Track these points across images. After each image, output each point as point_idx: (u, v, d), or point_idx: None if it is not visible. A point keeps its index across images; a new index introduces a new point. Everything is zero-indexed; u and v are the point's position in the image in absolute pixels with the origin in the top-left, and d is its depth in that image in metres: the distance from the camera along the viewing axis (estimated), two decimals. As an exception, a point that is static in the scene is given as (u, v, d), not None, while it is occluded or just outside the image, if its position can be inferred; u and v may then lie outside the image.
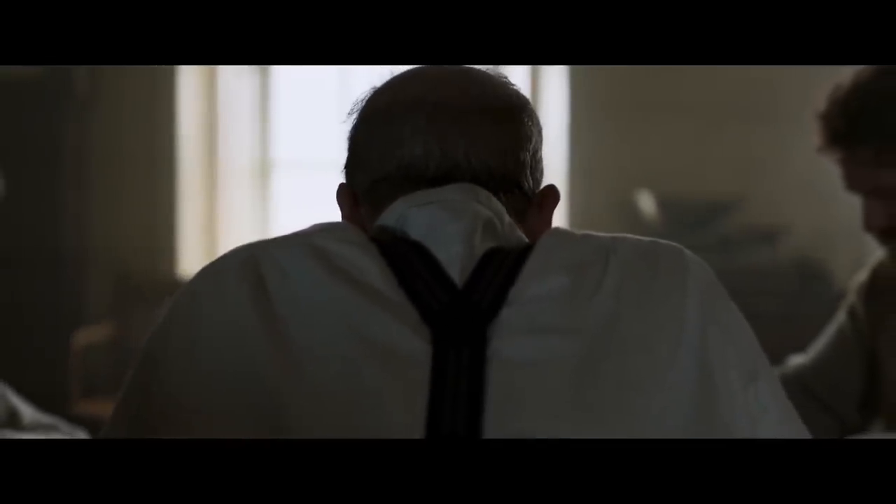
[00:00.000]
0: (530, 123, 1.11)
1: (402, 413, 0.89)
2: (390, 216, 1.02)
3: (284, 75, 5.52)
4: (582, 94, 5.09)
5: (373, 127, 1.11)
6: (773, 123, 4.44)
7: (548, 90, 5.26)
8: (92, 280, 5.07)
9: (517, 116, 1.10)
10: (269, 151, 5.58)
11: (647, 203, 4.92)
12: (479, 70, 1.16)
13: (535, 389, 0.90)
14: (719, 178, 4.88)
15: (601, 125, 5.08)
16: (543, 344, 0.93)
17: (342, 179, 1.16)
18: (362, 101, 1.14)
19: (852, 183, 1.80)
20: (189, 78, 5.20)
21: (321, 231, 1.00)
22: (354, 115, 1.14)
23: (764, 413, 0.98)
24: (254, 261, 0.97)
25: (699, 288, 1.01)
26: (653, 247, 1.01)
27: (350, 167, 1.12)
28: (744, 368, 0.98)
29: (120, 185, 5.08)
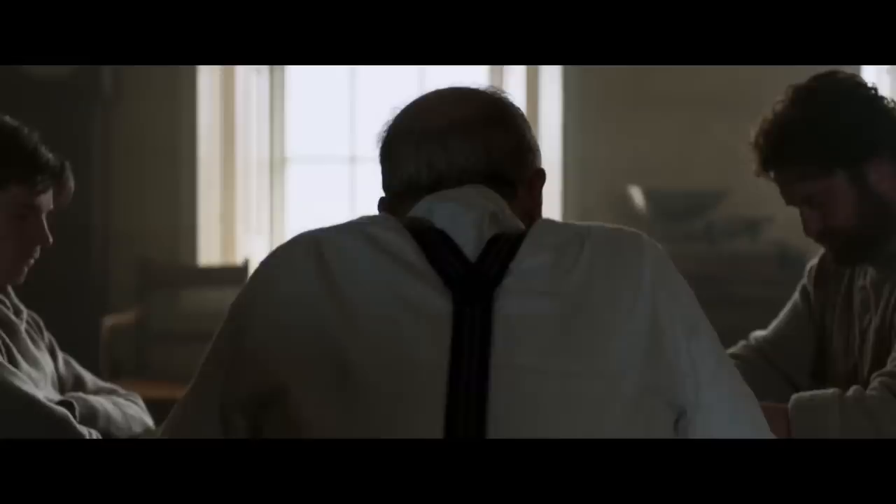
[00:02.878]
0: (504, 127, 1.40)
1: (432, 353, 1.17)
2: (420, 209, 1.31)
3: (297, 75, 5.59)
4: (576, 92, 5.17)
5: (384, 154, 1.43)
6: (758, 120, 4.60)
7: (544, 89, 5.35)
8: (116, 267, 5.14)
9: (490, 125, 1.39)
10: (282, 147, 5.65)
11: (637, 195, 5.02)
12: (461, 90, 1.45)
13: (528, 335, 1.19)
14: (706, 172, 4.96)
15: (594, 122, 5.17)
16: (535, 303, 1.21)
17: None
18: (380, 134, 1.45)
19: (788, 198, 2.03)
20: (208, 77, 5.26)
21: (368, 221, 1.29)
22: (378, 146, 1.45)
23: (703, 359, 1.25)
24: (317, 243, 1.26)
25: (652, 263, 1.27)
26: (618, 232, 1.29)
27: (382, 184, 1.43)
28: (686, 324, 1.25)
29: (144, 178, 5.14)
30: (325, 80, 5.64)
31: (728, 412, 1.26)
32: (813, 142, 1.97)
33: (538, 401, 1.16)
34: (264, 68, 5.54)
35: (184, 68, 5.08)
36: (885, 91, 5.32)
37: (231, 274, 5.20)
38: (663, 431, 1.21)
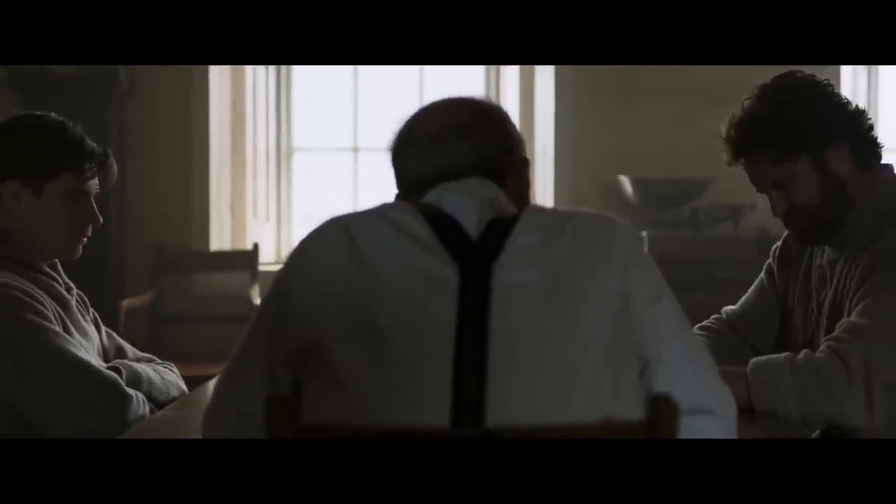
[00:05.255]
0: (491, 127, 1.64)
1: (442, 314, 1.38)
2: (431, 197, 1.54)
3: (303, 70, 5.70)
4: (568, 86, 5.31)
5: (395, 158, 1.67)
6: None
7: (538, 83, 5.47)
8: (132, 252, 5.26)
9: (479, 127, 1.63)
10: (289, 138, 5.76)
11: (626, 184, 5.17)
12: (453, 100, 1.69)
13: (520, 300, 1.40)
14: (691, 162, 5.07)
15: (585, 115, 5.30)
16: (525, 274, 1.42)
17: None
18: (390, 141, 1.68)
19: (758, 183, 2.25)
20: (218, 72, 5.37)
21: (389, 206, 1.52)
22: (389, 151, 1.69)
23: (665, 322, 1.48)
24: (346, 225, 1.47)
25: (623, 242, 1.49)
26: (595, 215, 1.51)
27: (396, 181, 1.68)
28: (651, 293, 1.47)
29: (158, 168, 5.24)
30: (329, 75, 5.73)
31: (685, 365, 1.48)
32: (780, 130, 2.18)
33: (528, 353, 1.38)
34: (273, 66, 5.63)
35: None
36: (861, 87, 5.50)
37: (241, 258, 5.35)
38: (630, 379, 1.44)
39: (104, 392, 2.12)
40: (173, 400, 2.32)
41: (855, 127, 2.24)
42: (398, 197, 1.67)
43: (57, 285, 2.29)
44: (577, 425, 1.31)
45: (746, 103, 2.23)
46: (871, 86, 5.62)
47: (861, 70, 5.58)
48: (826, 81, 2.28)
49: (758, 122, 2.19)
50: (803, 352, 2.08)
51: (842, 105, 2.25)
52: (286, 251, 5.72)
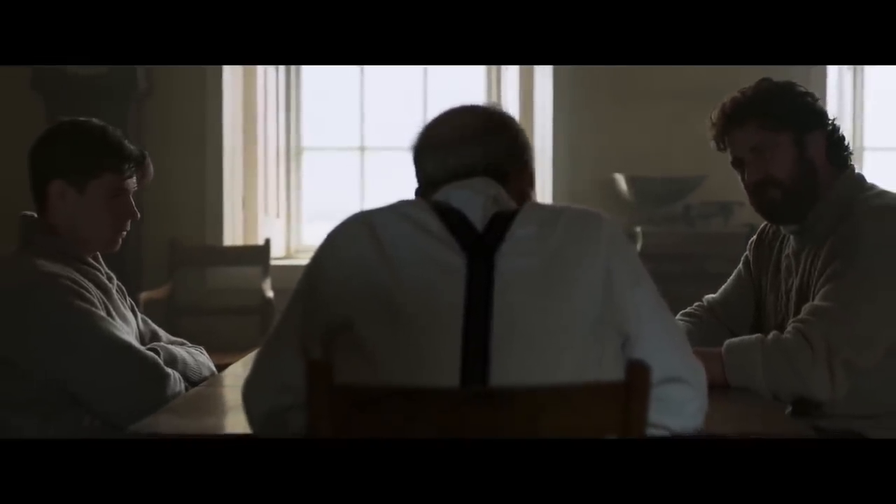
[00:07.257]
0: (498, 133, 1.82)
1: (452, 295, 1.59)
2: (442, 194, 1.73)
3: (311, 72, 5.82)
4: (566, 87, 5.41)
5: (414, 158, 1.85)
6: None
7: (537, 84, 5.57)
8: (149, 247, 5.37)
9: (488, 133, 1.81)
10: (298, 137, 5.87)
11: (621, 181, 5.27)
12: (470, 108, 1.87)
13: (519, 283, 1.61)
14: (684, 160, 5.18)
15: (583, 114, 5.40)
16: (523, 261, 1.63)
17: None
18: (411, 143, 1.86)
19: (741, 148, 2.41)
20: (231, 74, 5.48)
21: (404, 203, 1.72)
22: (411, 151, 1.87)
23: (643, 303, 1.68)
24: (368, 220, 1.68)
25: (609, 234, 1.69)
26: (584, 211, 1.71)
27: (416, 178, 1.87)
28: (632, 278, 1.68)
29: (173, 166, 5.24)
30: (337, 76, 5.83)
31: (660, 340, 1.69)
32: (772, 103, 2.39)
33: (525, 327, 1.59)
34: (281, 66, 5.74)
35: (209, 66, 5.30)
36: (847, 88, 5.68)
37: (252, 253, 5.47)
38: (613, 350, 1.64)
39: (146, 371, 2.30)
40: (205, 379, 2.50)
41: (833, 129, 2.46)
42: (418, 190, 1.86)
43: (100, 275, 2.47)
44: (566, 386, 1.51)
45: (730, 98, 2.44)
46: (857, 86, 5.75)
47: (847, 71, 5.70)
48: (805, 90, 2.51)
49: (753, 96, 2.41)
50: (772, 333, 2.26)
51: (824, 110, 2.48)
52: (296, 246, 5.89)
